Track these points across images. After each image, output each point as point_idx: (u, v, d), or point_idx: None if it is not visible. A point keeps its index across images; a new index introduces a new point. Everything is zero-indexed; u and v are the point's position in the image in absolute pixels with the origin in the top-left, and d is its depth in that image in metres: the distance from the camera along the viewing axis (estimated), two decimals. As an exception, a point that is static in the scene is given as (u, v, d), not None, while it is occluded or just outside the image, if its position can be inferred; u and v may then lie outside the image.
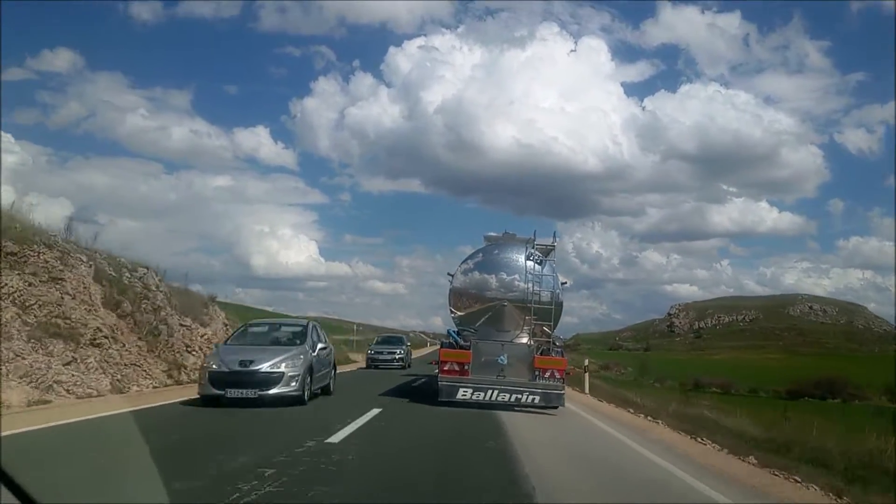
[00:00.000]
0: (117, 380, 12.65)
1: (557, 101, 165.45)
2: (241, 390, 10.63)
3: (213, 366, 11.02)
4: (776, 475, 7.75)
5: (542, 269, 13.24)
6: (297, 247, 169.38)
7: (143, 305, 16.09)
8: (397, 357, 28.71)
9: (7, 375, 10.05)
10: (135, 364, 13.59)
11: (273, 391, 10.82)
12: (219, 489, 5.19)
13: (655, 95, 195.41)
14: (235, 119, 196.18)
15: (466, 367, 12.51)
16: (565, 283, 14.32)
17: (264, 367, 10.95)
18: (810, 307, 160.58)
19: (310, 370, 11.72)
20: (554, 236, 14.53)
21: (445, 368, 12.59)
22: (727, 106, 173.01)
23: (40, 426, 7.91)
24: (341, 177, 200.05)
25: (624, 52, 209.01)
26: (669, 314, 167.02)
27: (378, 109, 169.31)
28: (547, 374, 12.45)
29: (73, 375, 11.45)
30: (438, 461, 7.29)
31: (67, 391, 11.09)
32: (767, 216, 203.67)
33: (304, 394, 11.33)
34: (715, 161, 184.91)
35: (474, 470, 6.74)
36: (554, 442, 9.56)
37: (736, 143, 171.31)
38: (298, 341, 12.39)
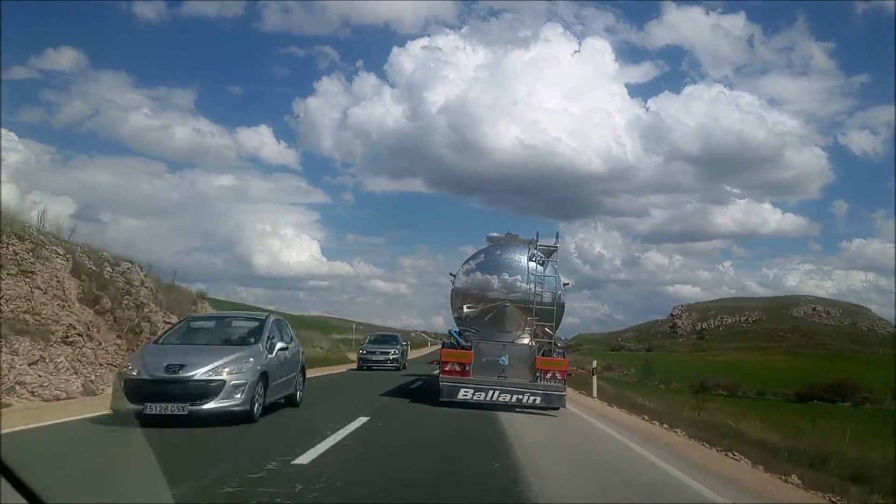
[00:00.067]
0: (90, 381, 11.75)
1: (561, 101, 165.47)
2: (164, 404, 8.03)
3: (133, 372, 8.39)
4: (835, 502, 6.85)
5: (545, 269, 13.18)
6: (300, 246, 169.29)
7: (125, 301, 15.28)
8: (391, 357, 26.68)
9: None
10: (111, 364, 12.69)
11: (209, 405, 8.22)
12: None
13: (659, 96, 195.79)
14: (238, 118, 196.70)
15: (468, 368, 12.43)
16: (567, 283, 14.21)
17: (199, 373, 8.32)
18: (814, 308, 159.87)
19: (263, 377, 9.10)
20: (556, 237, 14.84)
21: (447, 369, 12.52)
22: (731, 107, 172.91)
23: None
24: (344, 176, 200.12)
25: (628, 53, 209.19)
26: (672, 315, 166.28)
27: (381, 109, 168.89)
28: (548, 376, 12.39)
29: (39, 376, 10.57)
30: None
31: (32, 393, 10.22)
32: (770, 218, 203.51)
33: (252, 408, 8.74)
34: (718, 162, 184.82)
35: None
36: (581, 464, 8.56)
37: (740, 145, 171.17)
38: (253, 340, 9.68)
